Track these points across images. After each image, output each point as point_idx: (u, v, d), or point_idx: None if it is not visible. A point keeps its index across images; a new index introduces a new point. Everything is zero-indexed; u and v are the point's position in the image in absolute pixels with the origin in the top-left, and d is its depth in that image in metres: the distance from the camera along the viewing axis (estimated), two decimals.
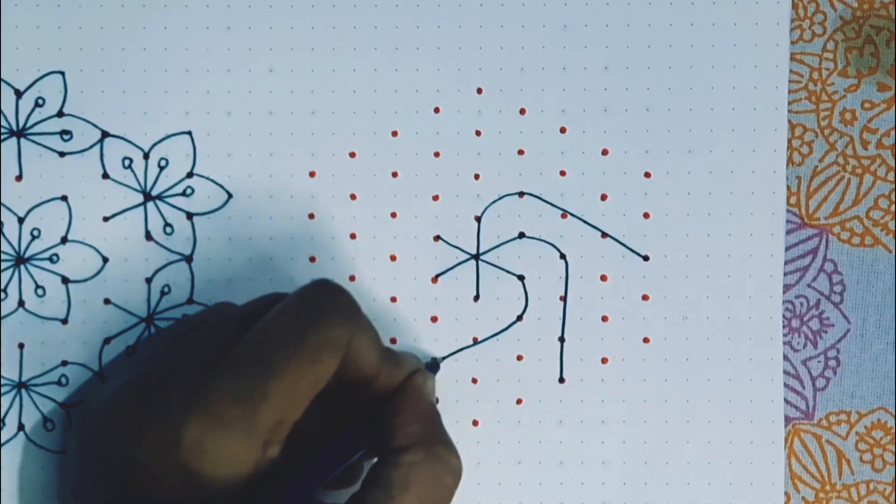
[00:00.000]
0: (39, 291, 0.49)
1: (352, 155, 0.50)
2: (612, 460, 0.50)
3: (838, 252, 0.51)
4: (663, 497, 0.50)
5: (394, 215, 0.50)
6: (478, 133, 0.50)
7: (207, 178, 0.50)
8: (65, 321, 0.49)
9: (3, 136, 0.49)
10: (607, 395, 0.50)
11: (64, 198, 0.49)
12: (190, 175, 0.50)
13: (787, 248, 0.50)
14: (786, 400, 0.50)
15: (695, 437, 0.50)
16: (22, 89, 0.49)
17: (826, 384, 0.50)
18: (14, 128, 0.49)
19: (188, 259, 0.49)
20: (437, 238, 0.50)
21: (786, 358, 0.50)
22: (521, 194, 0.50)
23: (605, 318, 0.50)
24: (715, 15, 0.50)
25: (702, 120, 0.50)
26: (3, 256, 0.49)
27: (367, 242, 0.50)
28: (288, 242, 0.50)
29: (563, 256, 0.50)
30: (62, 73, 0.49)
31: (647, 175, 0.50)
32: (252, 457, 0.41)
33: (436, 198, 0.50)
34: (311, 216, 0.50)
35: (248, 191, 0.50)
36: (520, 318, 0.50)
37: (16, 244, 0.49)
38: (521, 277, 0.50)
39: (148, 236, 0.49)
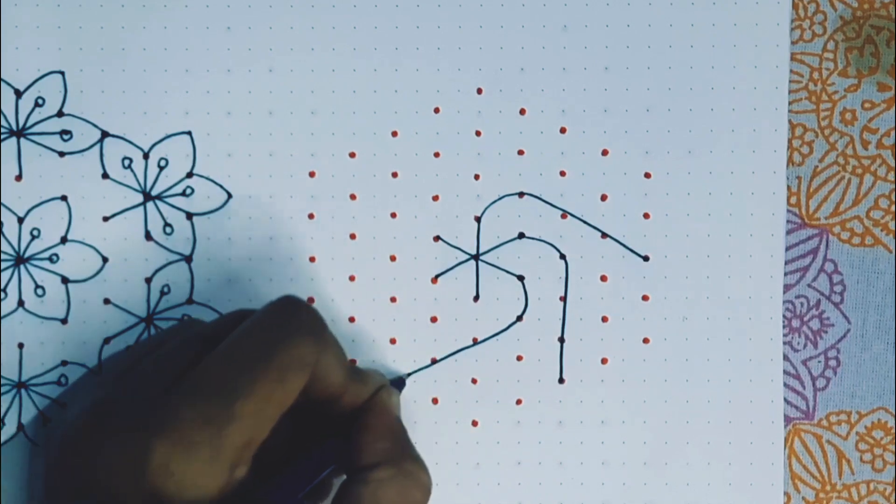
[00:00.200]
0: (39, 291, 0.49)
1: (352, 155, 0.50)
2: (612, 461, 0.50)
3: (838, 252, 0.50)
4: (663, 498, 0.50)
5: (393, 215, 0.50)
6: (478, 133, 0.50)
7: (207, 178, 0.50)
8: (64, 321, 0.49)
9: (3, 136, 0.49)
10: (607, 395, 0.50)
11: (64, 198, 0.49)
12: (190, 175, 0.50)
13: (787, 248, 0.50)
14: (786, 400, 0.50)
15: (694, 438, 0.50)
16: (22, 89, 0.49)
17: (826, 384, 0.50)
18: (14, 128, 0.49)
19: (188, 259, 0.49)
20: (437, 238, 0.50)
21: (786, 358, 0.50)
22: (520, 194, 0.50)
23: (604, 319, 0.50)
24: (715, 15, 0.50)
25: (702, 120, 0.50)
26: (3, 256, 0.49)
27: (367, 242, 0.50)
28: (288, 242, 0.50)
29: (562, 257, 0.50)
30: (62, 73, 0.49)
31: (647, 175, 0.50)
32: (220, 479, 0.40)
33: (435, 198, 0.50)
34: (311, 216, 0.50)
35: (248, 191, 0.50)
36: (519, 318, 0.50)
37: (16, 244, 0.49)
38: (520, 278, 0.50)
39: (148, 236, 0.49)
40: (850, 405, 0.50)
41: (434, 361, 0.50)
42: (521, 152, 0.50)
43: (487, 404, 0.50)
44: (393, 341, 0.50)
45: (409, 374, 0.50)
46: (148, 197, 0.49)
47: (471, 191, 0.50)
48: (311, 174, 0.50)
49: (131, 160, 0.49)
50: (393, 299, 0.50)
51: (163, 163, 0.50)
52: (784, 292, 0.50)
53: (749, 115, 0.50)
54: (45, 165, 0.49)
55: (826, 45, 0.51)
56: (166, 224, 0.49)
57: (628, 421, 0.50)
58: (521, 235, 0.50)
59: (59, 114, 0.49)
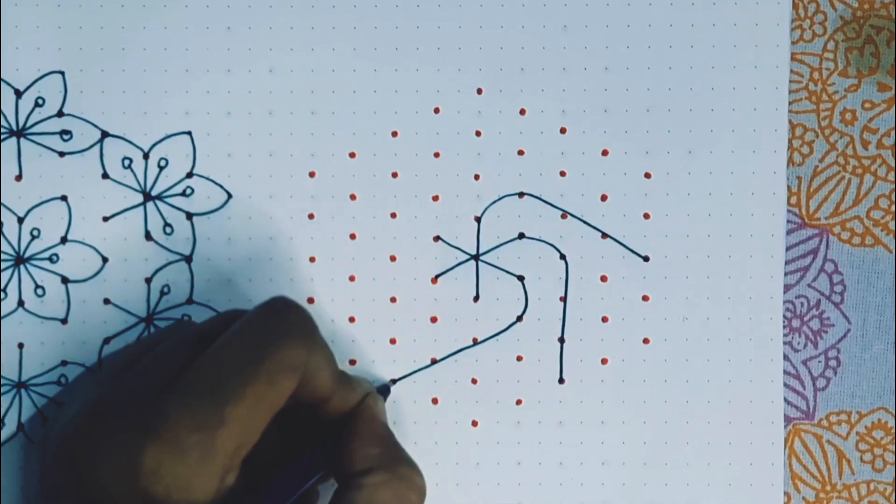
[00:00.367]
0: (39, 291, 0.49)
1: (352, 155, 0.50)
2: (612, 461, 0.50)
3: (838, 252, 0.50)
4: (663, 498, 0.50)
5: (393, 216, 0.50)
6: (478, 133, 0.50)
7: (207, 178, 0.50)
8: (64, 321, 0.49)
9: (3, 136, 0.49)
10: (607, 395, 0.50)
11: (64, 198, 0.49)
12: (190, 175, 0.50)
13: (787, 249, 0.50)
14: (786, 400, 0.50)
15: (694, 438, 0.50)
16: (22, 89, 0.49)
17: (826, 384, 0.50)
18: (14, 128, 0.49)
19: (188, 259, 0.49)
20: (437, 238, 0.50)
21: (786, 358, 0.50)
22: (520, 195, 0.50)
23: (605, 319, 0.50)
24: (715, 15, 0.50)
25: (702, 120, 0.50)
26: (3, 256, 0.49)
27: (367, 243, 0.50)
28: (288, 243, 0.50)
29: (563, 257, 0.50)
30: (62, 73, 0.49)
31: (648, 175, 0.50)
32: (210, 484, 0.40)
33: (435, 198, 0.50)
34: (311, 216, 0.50)
35: (248, 191, 0.50)
36: (520, 318, 0.50)
37: (15, 244, 0.49)
38: (520, 278, 0.50)
39: (148, 236, 0.49)
40: (850, 405, 0.50)
41: (434, 361, 0.50)
42: (521, 152, 0.50)
43: (487, 404, 0.50)
44: (393, 341, 0.50)
45: (395, 381, 0.50)
46: (148, 197, 0.49)
47: (471, 191, 0.50)
48: (311, 174, 0.50)
49: (131, 160, 0.49)
50: (393, 299, 0.50)
51: (163, 163, 0.50)
52: (784, 292, 0.50)
53: (749, 115, 0.50)
54: (45, 165, 0.49)
55: (826, 45, 0.51)
56: (166, 224, 0.49)
57: (628, 421, 0.50)
58: (521, 236, 0.50)
59: (59, 114, 0.49)
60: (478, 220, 0.50)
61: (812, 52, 0.51)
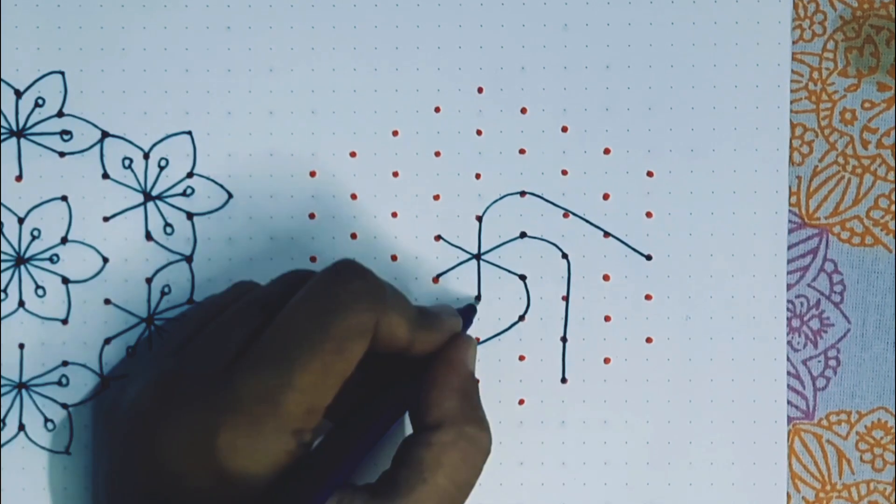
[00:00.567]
0: (39, 292, 0.49)
1: (352, 154, 0.50)
2: (615, 461, 0.50)
3: (838, 252, 0.51)
4: (666, 498, 0.50)
5: (394, 215, 0.50)
6: (479, 132, 0.50)
7: (207, 178, 0.50)
8: (65, 321, 0.49)
9: (3, 136, 0.49)
10: (610, 395, 0.50)
11: (64, 198, 0.49)
12: (190, 175, 0.49)
13: (787, 248, 0.50)
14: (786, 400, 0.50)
15: (697, 438, 0.50)
16: (22, 89, 0.49)
17: (826, 384, 0.50)
18: (14, 128, 0.49)
19: (188, 259, 0.49)
20: (438, 238, 0.50)
21: (786, 358, 0.50)
22: (522, 194, 0.50)
23: (607, 318, 0.50)
24: (716, 13, 0.50)
25: (704, 119, 0.50)
26: (3, 256, 0.49)
27: (368, 242, 0.50)
28: (288, 242, 0.50)
29: (565, 256, 0.50)
30: (62, 73, 0.49)
31: (650, 174, 0.50)
32: (286, 448, 0.41)
33: (437, 197, 0.50)
34: (312, 216, 0.50)
35: (249, 191, 0.50)
36: (522, 318, 0.50)
37: (16, 244, 0.49)
38: (522, 277, 0.50)
39: (148, 236, 0.49)
40: (850, 405, 0.50)
41: None
42: (522, 151, 0.50)
43: (490, 404, 0.49)
44: None
45: (479, 299, 0.49)
46: (148, 197, 0.49)
47: (472, 190, 0.50)
48: (312, 174, 0.50)
49: (131, 160, 0.49)
50: None
51: (163, 163, 0.49)
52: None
53: (751, 113, 0.50)
54: (45, 165, 0.49)
55: (826, 44, 0.51)
56: (167, 224, 0.49)
57: (631, 421, 0.50)
58: (523, 235, 0.50)
59: (59, 114, 0.49)
60: (479, 219, 0.50)
61: (812, 51, 0.51)
